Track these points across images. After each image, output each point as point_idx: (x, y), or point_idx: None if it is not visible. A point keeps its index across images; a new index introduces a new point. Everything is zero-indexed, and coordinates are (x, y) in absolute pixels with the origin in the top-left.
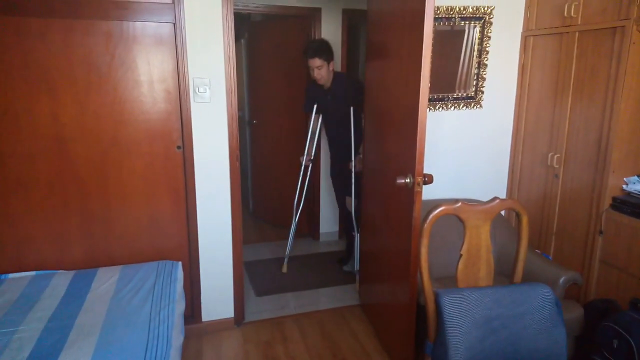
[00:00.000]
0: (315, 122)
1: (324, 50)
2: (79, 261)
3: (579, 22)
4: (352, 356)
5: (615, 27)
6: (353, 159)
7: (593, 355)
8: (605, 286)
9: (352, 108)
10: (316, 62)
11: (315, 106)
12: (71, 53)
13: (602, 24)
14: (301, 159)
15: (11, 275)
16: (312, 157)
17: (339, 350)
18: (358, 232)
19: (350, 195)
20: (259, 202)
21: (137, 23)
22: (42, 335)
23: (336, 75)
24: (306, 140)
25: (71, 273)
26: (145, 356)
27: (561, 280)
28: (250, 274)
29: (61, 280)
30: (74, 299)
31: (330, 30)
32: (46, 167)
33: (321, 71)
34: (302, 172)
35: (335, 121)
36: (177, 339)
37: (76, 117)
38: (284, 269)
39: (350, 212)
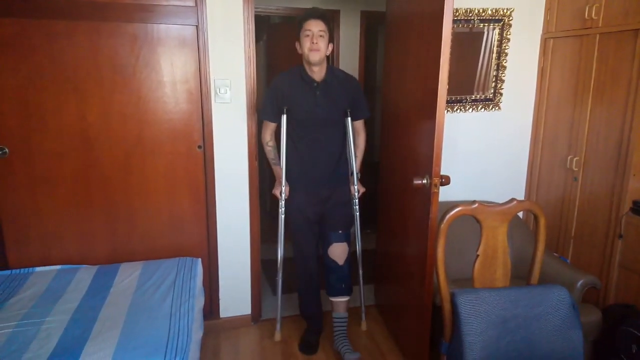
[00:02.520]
0: (270, 134)
1: (328, 19)
2: (102, 256)
3: (600, 25)
4: (367, 355)
5: (638, 29)
6: (355, 181)
7: (611, 359)
8: (624, 291)
9: (349, 115)
10: (320, 25)
11: (285, 111)
12: (97, 54)
13: (623, 26)
14: (276, 192)
15: (38, 269)
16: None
17: (354, 349)
18: (349, 294)
19: (343, 240)
20: (276, 201)
21: (161, 25)
22: (68, 326)
23: (329, 66)
24: (279, 164)
25: (95, 268)
26: (166, 349)
27: (579, 283)
28: (267, 273)
29: (85, 275)
30: (98, 292)
31: (349, 32)
32: (72, 165)
33: (320, 43)
34: (283, 211)
35: (321, 130)
36: (197, 333)
37: (102, 117)
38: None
39: (341, 266)
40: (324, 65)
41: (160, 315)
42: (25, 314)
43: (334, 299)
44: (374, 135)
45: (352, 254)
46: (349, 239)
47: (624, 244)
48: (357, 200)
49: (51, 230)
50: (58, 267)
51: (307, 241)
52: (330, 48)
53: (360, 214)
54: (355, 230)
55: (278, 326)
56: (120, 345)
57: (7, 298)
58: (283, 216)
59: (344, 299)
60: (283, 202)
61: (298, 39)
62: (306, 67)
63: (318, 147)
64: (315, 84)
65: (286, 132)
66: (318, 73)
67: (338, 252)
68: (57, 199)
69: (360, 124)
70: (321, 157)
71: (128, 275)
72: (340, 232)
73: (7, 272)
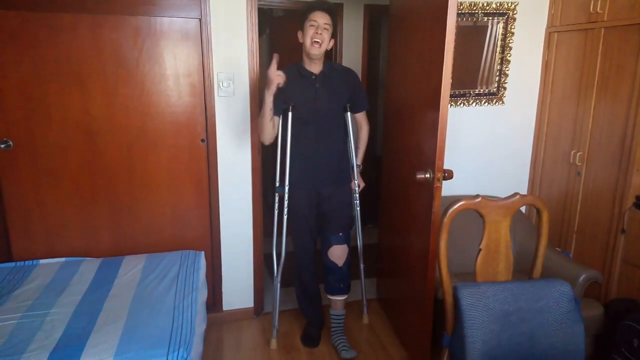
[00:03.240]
0: (274, 128)
1: (334, 14)
2: (106, 249)
3: (605, 18)
4: (369, 349)
5: None
6: (356, 175)
7: (613, 354)
8: (626, 285)
9: (348, 109)
10: (326, 17)
11: (290, 108)
12: (101, 48)
13: (629, 20)
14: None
15: (42, 261)
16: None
17: (356, 343)
18: (347, 292)
19: (343, 242)
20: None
21: (165, 18)
22: (72, 318)
23: (327, 61)
24: (277, 159)
25: (98, 260)
26: (170, 341)
27: (581, 278)
28: (270, 266)
29: (89, 267)
30: (102, 285)
31: (352, 26)
32: (76, 158)
33: (324, 35)
34: (278, 209)
35: (321, 124)
36: (200, 325)
37: (105, 110)
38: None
39: (340, 267)
40: (322, 58)
41: (164, 308)
42: (29, 305)
43: (332, 297)
44: (377, 129)
45: (353, 249)
46: (348, 240)
47: (627, 238)
48: (357, 195)
49: (55, 223)
50: (62, 259)
51: (306, 240)
52: (331, 43)
53: (361, 208)
54: (356, 226)
55: (274, 332)
56: (124, 338)
57: (11, 290)
58: (286, 217)
59: (342, 297)
60: (286, 202)
61: (301, 28)
62: (305, 59)
63: (319, 142)
64: (314, 77)
65: (290, 128)
66: (317, 66)
67: (338, 253)
68: (61, 191)
69: (362, 116)
70: (322, 152)
71: (131, 267)
72: (340, 234)
73: (12, 264)
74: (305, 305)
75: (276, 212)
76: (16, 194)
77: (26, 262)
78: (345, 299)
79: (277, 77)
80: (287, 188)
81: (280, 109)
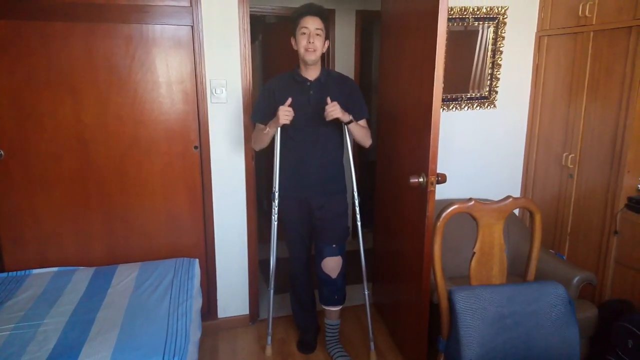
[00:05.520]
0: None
1: (325, 16)
2: (99, 258)
3: (594, 22)
4: (365, 354)
5: (631, 26)
6: (351, 158)
7: (607, 355)
8: (620, 287)
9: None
10: (317, 22)
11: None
12: (93, 56)
13: (617, 23)
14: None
15: (35, 271)
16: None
17: (352, 348)
18: (341, 303)
19: (337, 254)
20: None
21: (157, 26)
22: (66, 328)
23: (323, 67)
24: (273, 165)
25: (92, 269)
26: (164, 350)
27: (575, 280)
28: (265, 273)
29: (82, 276)
30: (95, 294)
31: (344, 32)
32: (69, 166)
33: (317, 42)
34: (276, 217)
35: (315, 132)
36: (195, 334)
37: (98, 118)
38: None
39: (334, 279)
40: (319, 64)
41: (158, 316)
42: (22, 316)
43: (326, 308)
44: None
45: (355, 253)
46: (343, 252)
47: (620, 240)
48: (357, 202)
49: (48, 232)
50: (55, 269)
51: (298, 248)
52: (326, 45)
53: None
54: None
55: (269, 339)
56: (118, 347)
57: (4, 300)
58: (276, 223)
59: (336, 308)
60: (276, 209)
61: (293, 35)
62: (301, 65)
63: (311, 150)
64: (309, 83)
65: (279, 135)
66: (312, 72)
67: (332, 265)
68: (54, 200)
69: (363, 124)
70: (312, 160)
71: (125, 276)
72: (334, 246)
73: (4, 274)
74: (299, 312)
75: (273, 217)
76: (8, 203)
77: (18, 273)
78: (340, 309)
79: (285, 117)
80: (277, 194)
81: (270, 115)
